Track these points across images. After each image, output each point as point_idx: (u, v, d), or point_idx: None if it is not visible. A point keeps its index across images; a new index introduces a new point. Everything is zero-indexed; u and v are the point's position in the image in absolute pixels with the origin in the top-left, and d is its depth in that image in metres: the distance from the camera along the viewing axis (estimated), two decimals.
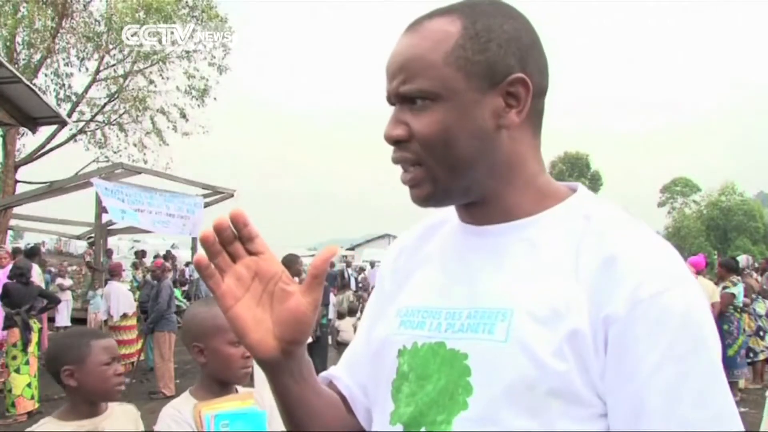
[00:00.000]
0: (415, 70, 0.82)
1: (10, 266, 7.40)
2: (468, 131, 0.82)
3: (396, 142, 0.85)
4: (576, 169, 46.38)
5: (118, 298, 8.47)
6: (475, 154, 0.83)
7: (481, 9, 0.84)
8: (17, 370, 6.42)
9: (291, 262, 5.29)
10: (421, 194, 0.86)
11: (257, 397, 1.78)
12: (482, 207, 0.87)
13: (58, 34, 16.94)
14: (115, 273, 9.02)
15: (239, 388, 1.81)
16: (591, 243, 0.79)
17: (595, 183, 45.40)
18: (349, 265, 20.67)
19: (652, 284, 0.73)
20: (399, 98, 0.85)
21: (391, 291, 0.98)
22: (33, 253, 10.38)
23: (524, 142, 0.86)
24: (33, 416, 6.25)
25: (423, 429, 0.80)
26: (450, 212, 0.95)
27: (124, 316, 8.49)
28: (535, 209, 0.85)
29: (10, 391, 6.41)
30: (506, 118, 0.83)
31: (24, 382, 6.43)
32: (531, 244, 0.83)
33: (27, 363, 6.50)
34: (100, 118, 18.97)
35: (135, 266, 13.90)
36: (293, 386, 0.85)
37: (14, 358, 6.45)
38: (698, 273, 7.30)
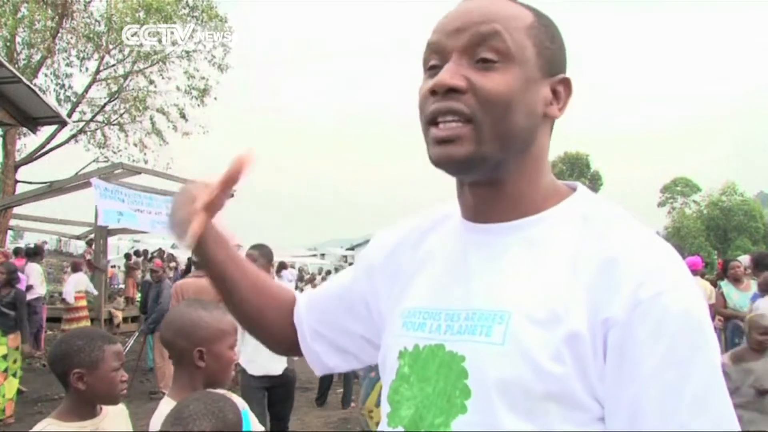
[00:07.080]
0: (498, 25, 0.81)
1: None
2: (526, 105, 0.82)
3: (449, 90, 0.80)
4: (576, 169, 46.33)
5: (72, 284, 9.58)
6: (523, 130, 0.82)
7: (538, 10, 0.87)
8: (14, 374, 6.46)
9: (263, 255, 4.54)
10: (457, 152, 0.80)
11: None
12: (491, 200, 0.86)
13: (58, 34, 16.94)
14: (77, 269, 10.08)
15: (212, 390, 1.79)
16: (590, 244, 0.78)
17: (595, 183, 45.33)
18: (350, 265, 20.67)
19: (651, 285, 0.72)
20: (468, 46, 0.81)
21: (389, 291, 0.96)
22: (35, 253, 10.37)
23: (547, 139, 0.88)
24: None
25: None
26: (453, 207, 0.93)
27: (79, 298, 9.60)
28: (539, 207, 0.85)
29: (3, 396, 6.42)
30: (551, 108, 0.85)
31: (16, 386, 6.51)
32: (530, 245, 0.82)
33: (22, 367, 6.55)
34: (100, 118, 18.96)
35: (129, 268, 13.73)
36: (219, 251, 1.02)
37: (15, 361, 6.47)
38: (695, 273, 7.32)
